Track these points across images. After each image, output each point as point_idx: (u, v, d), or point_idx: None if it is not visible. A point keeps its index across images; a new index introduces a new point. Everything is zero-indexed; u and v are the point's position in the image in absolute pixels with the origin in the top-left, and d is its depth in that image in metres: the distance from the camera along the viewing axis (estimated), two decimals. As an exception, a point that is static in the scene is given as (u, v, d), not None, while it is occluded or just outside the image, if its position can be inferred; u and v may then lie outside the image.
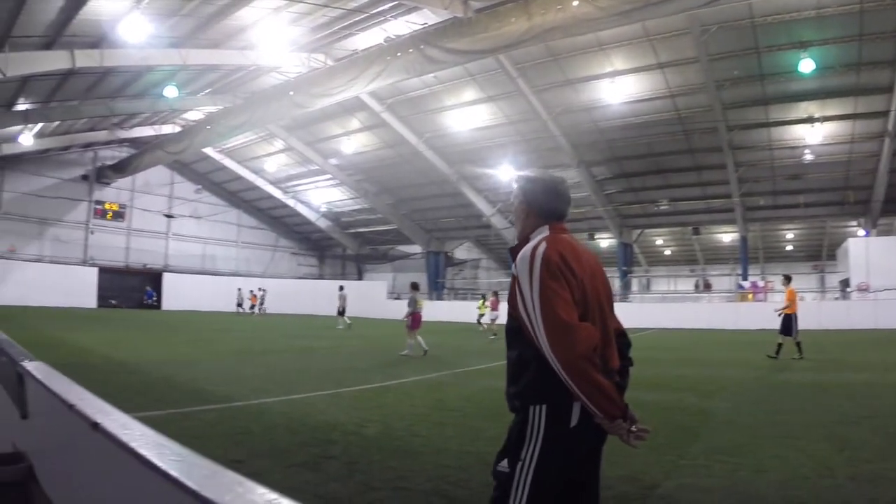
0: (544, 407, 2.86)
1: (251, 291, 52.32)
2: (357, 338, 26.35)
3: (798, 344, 18.19)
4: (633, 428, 2.92)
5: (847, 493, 5.70)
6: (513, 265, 3.06)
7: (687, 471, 6.44)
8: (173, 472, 1.03)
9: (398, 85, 35.23)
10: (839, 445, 7.49)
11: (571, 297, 2.85)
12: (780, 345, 18.31)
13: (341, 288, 38.09)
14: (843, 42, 30.28)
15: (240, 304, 51.41)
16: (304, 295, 55.85)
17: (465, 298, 53.79)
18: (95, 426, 1.36)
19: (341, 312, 35.97)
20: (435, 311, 42.58)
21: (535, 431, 2.85)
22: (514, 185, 3.34)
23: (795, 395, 11.73)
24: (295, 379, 13.17)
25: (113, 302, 52.56)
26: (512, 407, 3.03)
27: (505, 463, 2.93)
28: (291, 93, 33.52)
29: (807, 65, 30.46)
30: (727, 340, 27.66)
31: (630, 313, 39.31)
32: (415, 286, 20.89)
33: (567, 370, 2.72)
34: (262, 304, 52.02)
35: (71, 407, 1.57)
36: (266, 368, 15.08)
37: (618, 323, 3.33)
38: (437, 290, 57.25)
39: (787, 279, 19.79)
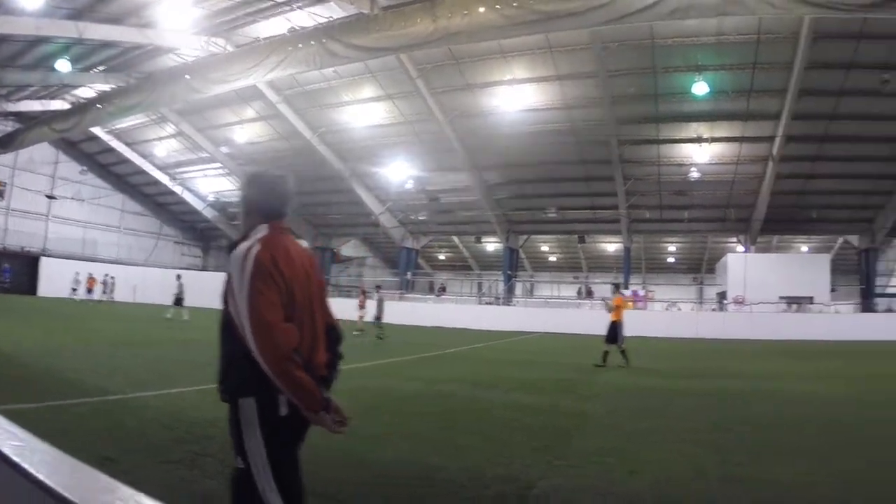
0: (254, 399, 3.05)
1: (90, 275, 49.15)
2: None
3: (623, 351, 18.41)
4: (337, 418, 3.20)
5: (718, 494, 5.93)
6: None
7: (562, 471, 6.54)
8: (38, 475, 0.99)
9: (297, 77, 34.87)
10: (712, 449, 7.74)
11: (278, 298, 3.03)
12: (606, 353, 18.37)
13: (178, 276, 36.70)
14: (738, 69, 32.15)
15: (75, 290, 47.83)
16: (186, 286, 54.03)
17: (349, 296, 53.27)
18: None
19: (178, 302, 34.21)
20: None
21: (250, 423, 3.03)
22: (241, 182, 3.49)
23: (671, 400, 12.08)
24: (172, 371, 12.81)
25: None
26: (223, 399, 3.24)
27: (239, 459, 3.09)
28: (188, 76, 32.49)
29: (700, 87, 31.90)
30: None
31: (514, 317, 39.93)
32: None
33: (270, 368, 2.93)
34: (108, 290, 49.31)
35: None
36: (142, 360, 14.58)
37: (331, 317, 3.53)
38: (322, 287, 56.56)
39: (616, 287, 20.71)
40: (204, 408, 8.82)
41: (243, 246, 3.12)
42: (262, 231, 3.23)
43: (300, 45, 27.97)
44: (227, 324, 3.16)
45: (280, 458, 3.04)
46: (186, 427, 7.68)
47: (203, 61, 32.71)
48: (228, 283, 3.09)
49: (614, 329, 18.64)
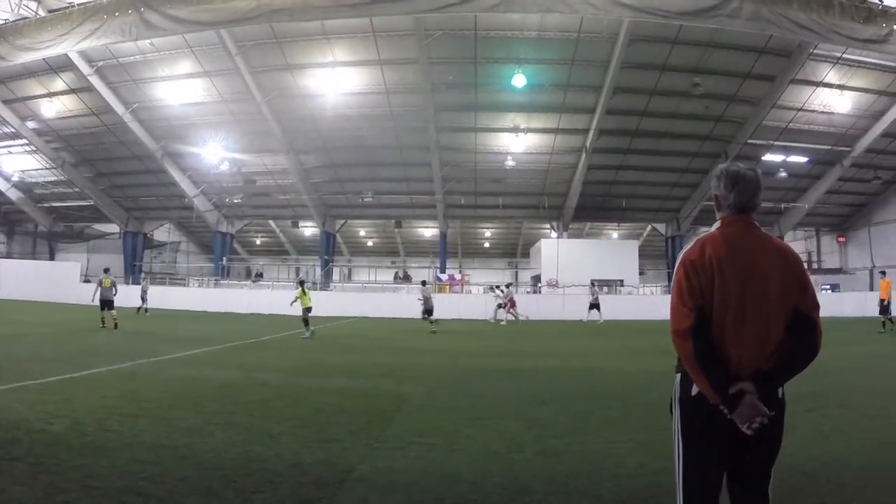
0: None
1: None
2: (45, 325, 24.36)
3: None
4: None
5: (535, 467, 6.14)
6: None
7: (382, 453, 6.60)
8: None
9: (111, 48, 33.25)
10: (528, 424, 8.08)
11: None
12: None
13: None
14: (557, 64, 33.90)
15: None
16: None
17: (163, 283, 51.41)
18: None
19: None
20: (129, 296, 40.35)
21: None
22: None
23: (488, 379, 12.43)
24: None
25: None
26: None
27: None
28: (-8, 41, 30.52)
29: (519, 80, 33.17)
30: (424, 329, 28.55)
31: (331, 302, 39.75)
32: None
33: None
34: None
35: None
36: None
37: None
38: (134, 273, 53.97)
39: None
40: (9, 408, 8.29)
41: None
42: None
43: (116, 14, 26.82)
44: None
45: None
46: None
47: (11, 25, 30.71)
48: None
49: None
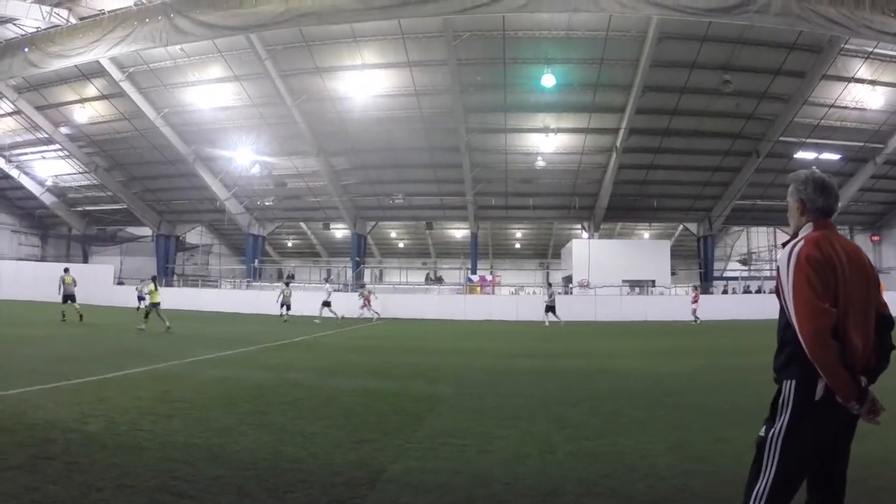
0: None
1: None
2: (80, 326, 24.66)
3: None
4: None
5: (567, 468, 6.11)
6: None
7: (414, 454, 6.57)
8: None
9: (142, 53, 33.54)
10: (560, 425, 8.04)
11: None
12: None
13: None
14: (586, 63, 33.80)
15: None
16: (24, 278, 50.31)
17: (195, 285, 51.81)
18: None
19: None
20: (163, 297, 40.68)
21: None
22: None
23: (519, 380, 12.35)
24: (9, 371, 11.76)
25: None
26: None
27: None
28: (26, 49, 30.74)
29: (548, 80, 33.11)
30: (455, 330, 28.63)
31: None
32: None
33: None
34: None
35: None
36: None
37: None
38: (167, 275, 54.27)
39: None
40: (45, 408, 8.35)
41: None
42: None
43: (146, 20, 27.01)
44: None
45: None
46: (26, 430, 7.15)
47: (43, 33, 30.98)
48: None
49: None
